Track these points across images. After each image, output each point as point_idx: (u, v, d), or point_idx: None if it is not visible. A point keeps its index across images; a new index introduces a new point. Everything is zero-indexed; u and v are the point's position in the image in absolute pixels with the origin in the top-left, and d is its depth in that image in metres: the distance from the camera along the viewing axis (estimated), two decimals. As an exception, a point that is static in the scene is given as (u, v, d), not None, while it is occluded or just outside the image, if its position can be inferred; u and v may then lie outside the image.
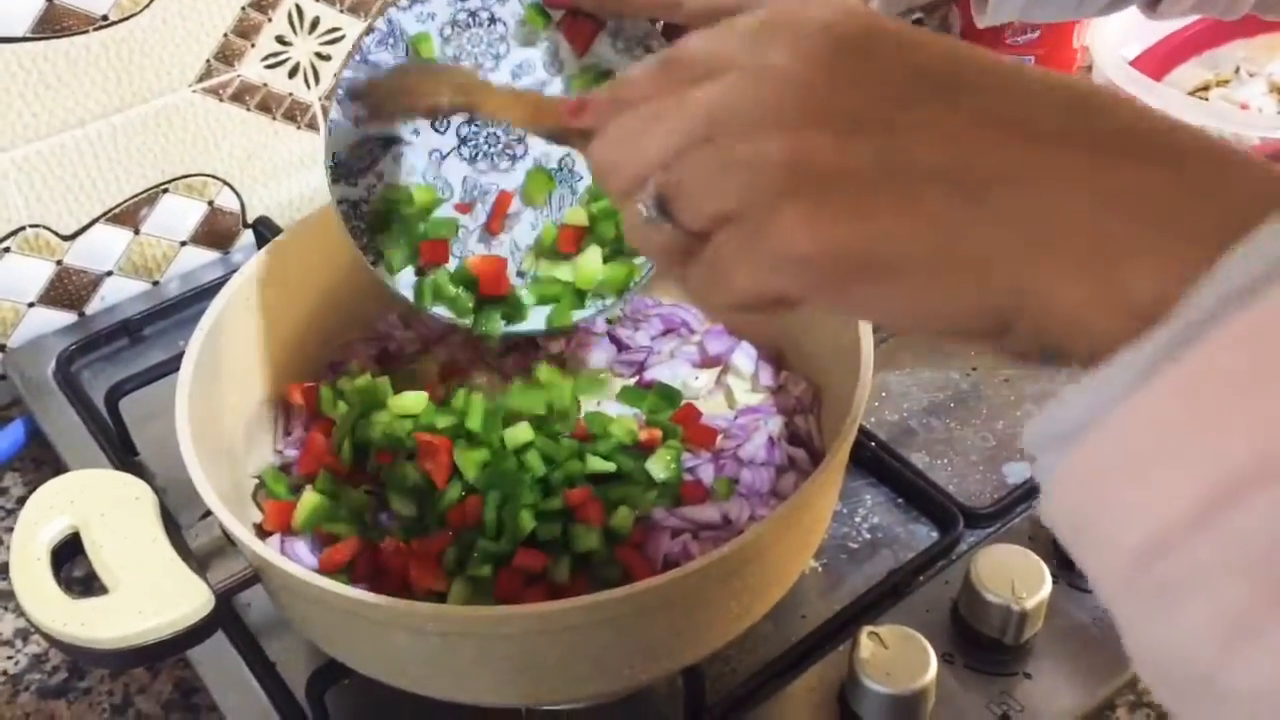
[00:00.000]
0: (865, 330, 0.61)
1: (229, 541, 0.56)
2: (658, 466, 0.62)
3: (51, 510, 0.56)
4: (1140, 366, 0.29)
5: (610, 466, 0.61)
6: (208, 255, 0.92)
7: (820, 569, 0.70)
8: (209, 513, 0.56)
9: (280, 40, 0.86)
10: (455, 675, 0.54)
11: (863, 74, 0.35)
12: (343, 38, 0.89)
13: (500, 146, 0.64)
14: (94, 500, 0.56)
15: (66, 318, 0.87)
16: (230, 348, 0.65)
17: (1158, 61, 1.02)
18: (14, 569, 0.54)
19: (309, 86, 0.89)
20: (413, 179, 0.64)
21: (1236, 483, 0.27)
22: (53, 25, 0.77)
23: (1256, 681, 0.28)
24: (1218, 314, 0.28)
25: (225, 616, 0.56)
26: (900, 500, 0.73)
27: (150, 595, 0.53)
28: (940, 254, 0.34)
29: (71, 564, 0.57)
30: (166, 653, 0.53)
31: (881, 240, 0.34)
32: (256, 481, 0.67)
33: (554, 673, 0.54)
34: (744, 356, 0.70)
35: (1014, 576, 0.63)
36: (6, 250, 0.82)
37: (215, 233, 0.91)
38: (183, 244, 0.90)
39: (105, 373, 0.82)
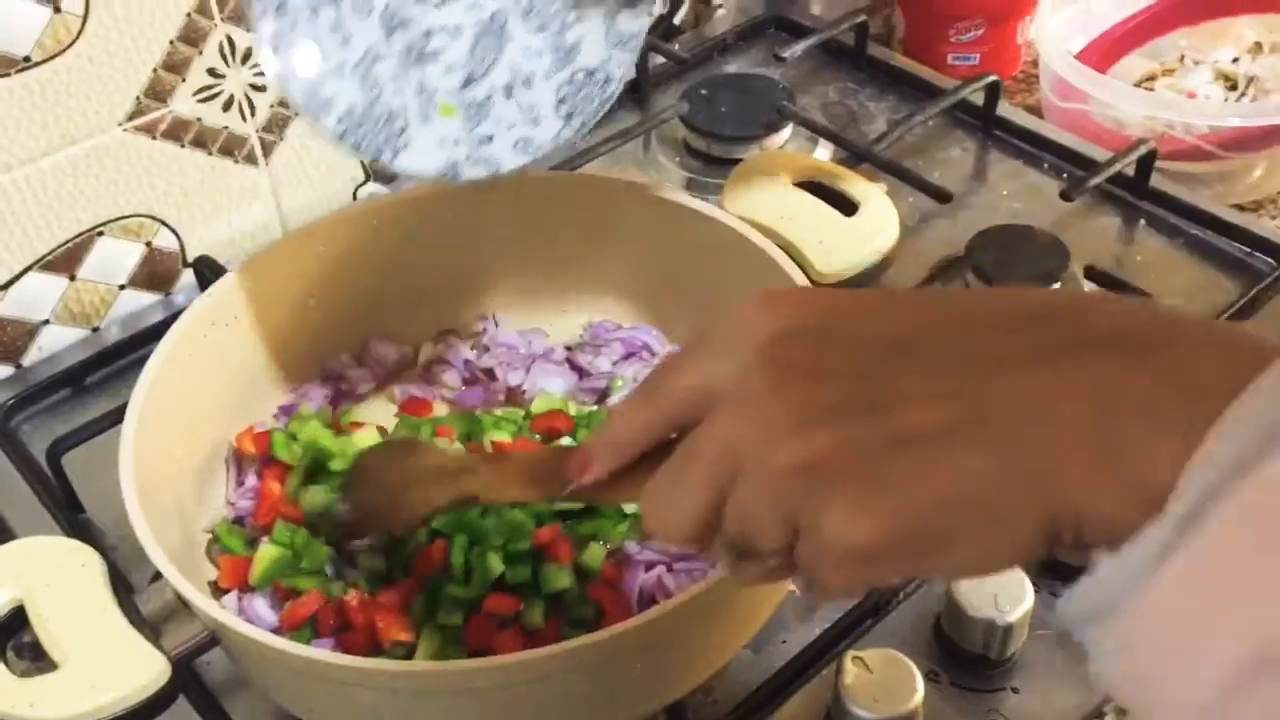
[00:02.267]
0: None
1: (183, 604, 0.54)
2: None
3: (-7, 583, 0.53)
4: (1158, 544, 0.31)
5: (577, 504, 0.59)
6: (148, 298, 0.88)
7: (798, 593, 0.68)
8: (160, 574, 0.53)
9: (212, 73, 0.84)
10: (429, 731, 0.52)
11: (829, 359, 0.37)
12: (277, 67, 0.86)
13: None
14: (38, 570, 0.53)
15: (3, 370, 0.84)
16: (176, 396, 0.63)
17: (1102, 54, 1.02)
18: (-45, 649, 0.51)
19: (244, 119, 0.87)
20: None
21: (1244, 671, 0.30)
22: (-28, 69, 0.74)
23: None
24: (1216, 491, 0.30)
25: (184, 682, 0.53)
26: (874, 515, 0.71)
27: (102, 668, 0.50)
28: (981, 505, 0.35)
29: (18, 636, 0.54)
30: (123, 728, 0.50)
31: (925, 512, 0.35)
32: (210, 536, 0.64)
33: (533, 722, 0.52)
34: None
35: (995, 590, 0.62)
36: (-64, 304, 0.79)
37: (155, 274, 0.88)
38: (121, 287, 0.87)
39: (47, 426, 0.79)
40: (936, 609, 0.65)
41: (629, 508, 0.60)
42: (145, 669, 0.51)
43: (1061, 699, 0.62)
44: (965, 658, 0.63)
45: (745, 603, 0.55)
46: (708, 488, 0.39)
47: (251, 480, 0.65)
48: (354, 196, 0.95)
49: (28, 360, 0.85)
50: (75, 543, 0.55)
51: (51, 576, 0.53)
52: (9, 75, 0.75)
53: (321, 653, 0.49)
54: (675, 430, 0.41)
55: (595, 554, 0.58)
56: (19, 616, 0.53)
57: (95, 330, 0.87)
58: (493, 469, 0.48)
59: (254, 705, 0.63)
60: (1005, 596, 0.61)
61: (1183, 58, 1.01)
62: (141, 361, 0.62)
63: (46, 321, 0.84)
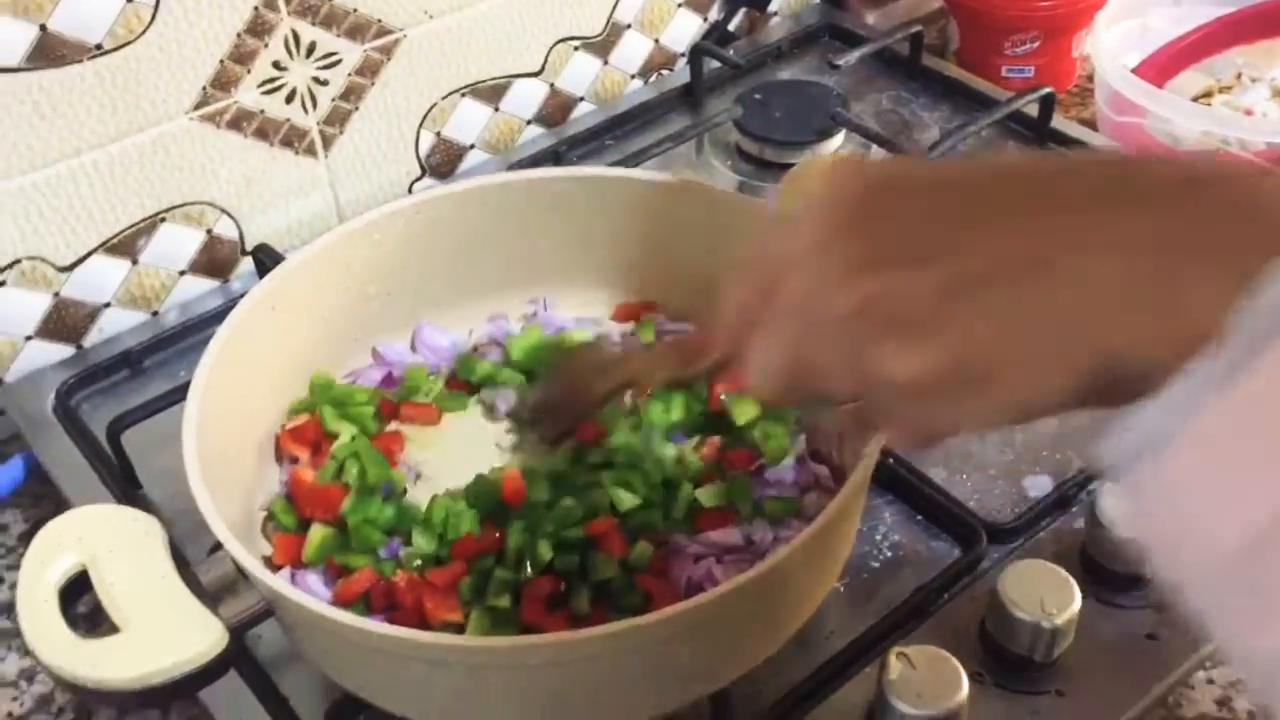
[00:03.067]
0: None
1: (241, 575, 0.55)
2: (709, 495, 0.61)
3: (59, 548, 0.54)
4: (1216, 375, 0.31)
5: (636, 501, 0.60)
6: (207, 284, 0.90)
7: (842, 589, 0.68)
8: (218, 546, 0.54)
9: (276, 65, 0.85)
10: (478, 709, 0.53)
11: (886, 213, 0.39)
12: (339, 62, 0.88)
13: None
14: (102, 536, 0.55)
15: (64, 351, 0.86)
16: (235, 376, 0.64)
17: (1158, 69, 1.02)
18: (21, 609, 0.52)
19: (306, 111, 0.88)
20: None
21: None
22: (47, 55, 0.76)
23: None
24: (1269, 333, 0.30)
25: (238, 652, 0.54)
26: (920, 517, 0.72)
27: (162, 633, 0.51)
28: (1027, 344, 0.36)
29: (81, 600, 0.55)
30: (180, 692, 0.51)
31: (975, 350, 0.37)
32: (264, 514, 0.65)
33: (579, 704, 0.52)
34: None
35: (1043, 593, 0.62)
36: (2, 284, 0.81)
37: (214, 261, 0.90)
38: (181, 273, 0.89)
39: (105, 405, 0.81)
40: (981, 612, 0.65)
41: (708, 503, 0.62)
42: (204, 635, 0.52)
43: (1106, 704, 0.62)
44: (1010, 659, 0.63)
45: (793, 592, 0.56)
46: (783, 345, 0.42)
47: (306, 458, 0.66)
48: (409, 190, 0.97)
49: (88, 341, 0.87)
50: (138, 511, 0.57)
51: (115, 543, 0.54)
52: (81, 61, 0.77)
53: (377, 624, 0.50)
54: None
55: (643, 552, 0.59)
56: (82, 580, 0.54)
57: (154, 314, 0.89)
58: (642, 358, 0.57)
59: (302, 681, 0.64)
60: (1052, 600, 0.61)
61: (1240, 75, 1.01)
62: (199, 346, 0.63)
63: (108, 304, 0.86)
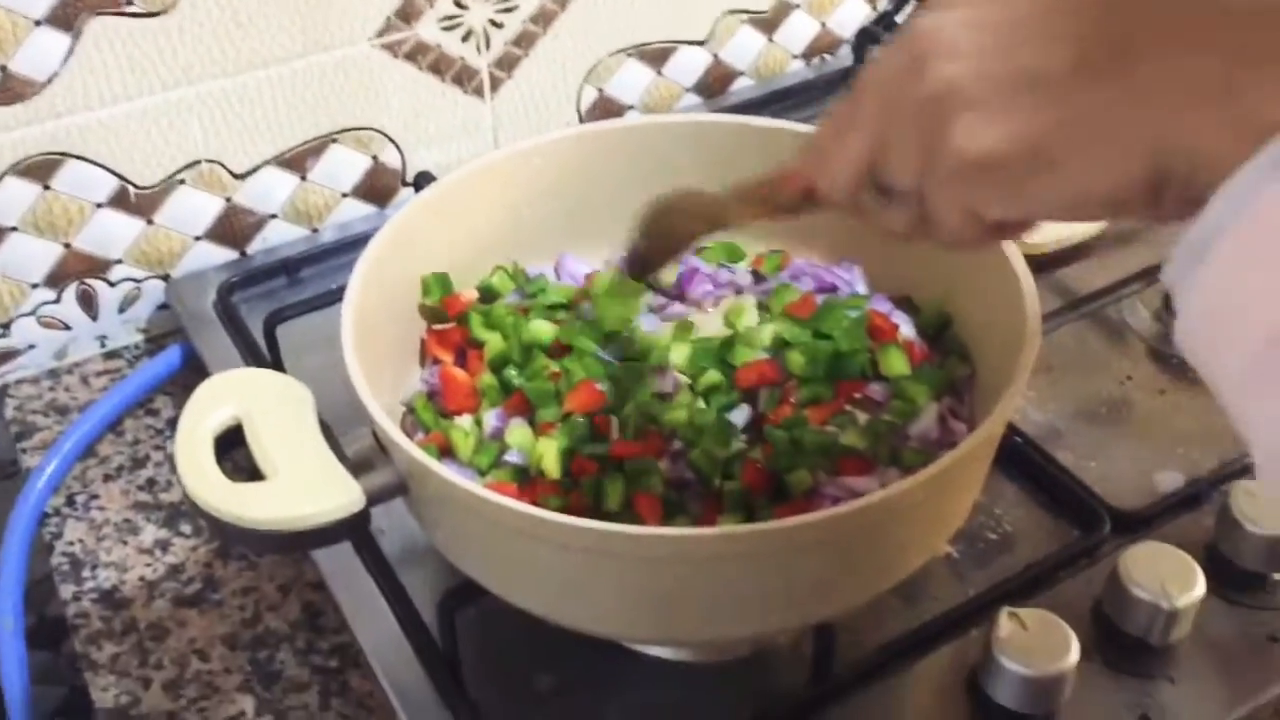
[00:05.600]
0: (1031, 301, 0.59)
1: (381, 452, 0.57)
2: (854, 436, 0.62)
3: (218, 400, 0.57)
4: (1263, 169, 0.32)
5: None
6: (365, 209, 0.94)
7: (956, 555, 0.68)
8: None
9: (458, 3, 0.89)
10: (591, 601, 0.54)
11: (966, 22, 0.41)
12: (516, 8, 0.91)
13: None
14: (258, 396, 0.58)
15: (229, 255, 0.90)
16: (393, 275, 0.67)
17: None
18: (178, 450, 0.55)
19: (479, 52, 0.92)
20: None
21: None
22: (250, -32, 0.80)
23: None
24: None
25: (368, 524, 0.56)
26: (1043, 498, 0.71)
27: (305, 486, 0.54)
28: (1093, 132, 0.38)
29: (236, 450, 0.58)
30: (315, 542, 0.54)
31: (1039, 132, 0.39)
32: (404, 410, 0.68)
33: (690, 608, 0.53)
34: (906, 326, 0.69)
35: (1164, 575, 0.61)
36: (181, 182, 0.85)
37: (375, 187, 0.93)
38: (344, 195, 0.93)
39: (261, 307, 0.84)
40: (1097, 595, 0.64)
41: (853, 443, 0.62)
42: (343, 493, 0.54)
43: (1219, 698, 0.61)
44: (1124, 641, 0.62)
45: (909, 531, 0.56)
46: (863, 134, 0.45)
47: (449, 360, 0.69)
48: (567, 142, 0.99)
49: (251, 249, 0.91)
50: (292, 379, 0.60)
51: (269, 403, 0.57)
52: (278, -22, 0.82)
53: (510, 501, 0.51)
54: None
55: (800, 480, 0.59)
56: (238, 434, 0.57)
57: (314, 231, 0.93)
58: (731, 196, 0.58)
59: (419, 576, 0.67)
60: (1175, 581, 0.61)
61: None
62: (353, 261, 0.65)
63: (274, 215, 0.91)
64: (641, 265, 0.63)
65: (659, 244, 0.61)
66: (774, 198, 0.55)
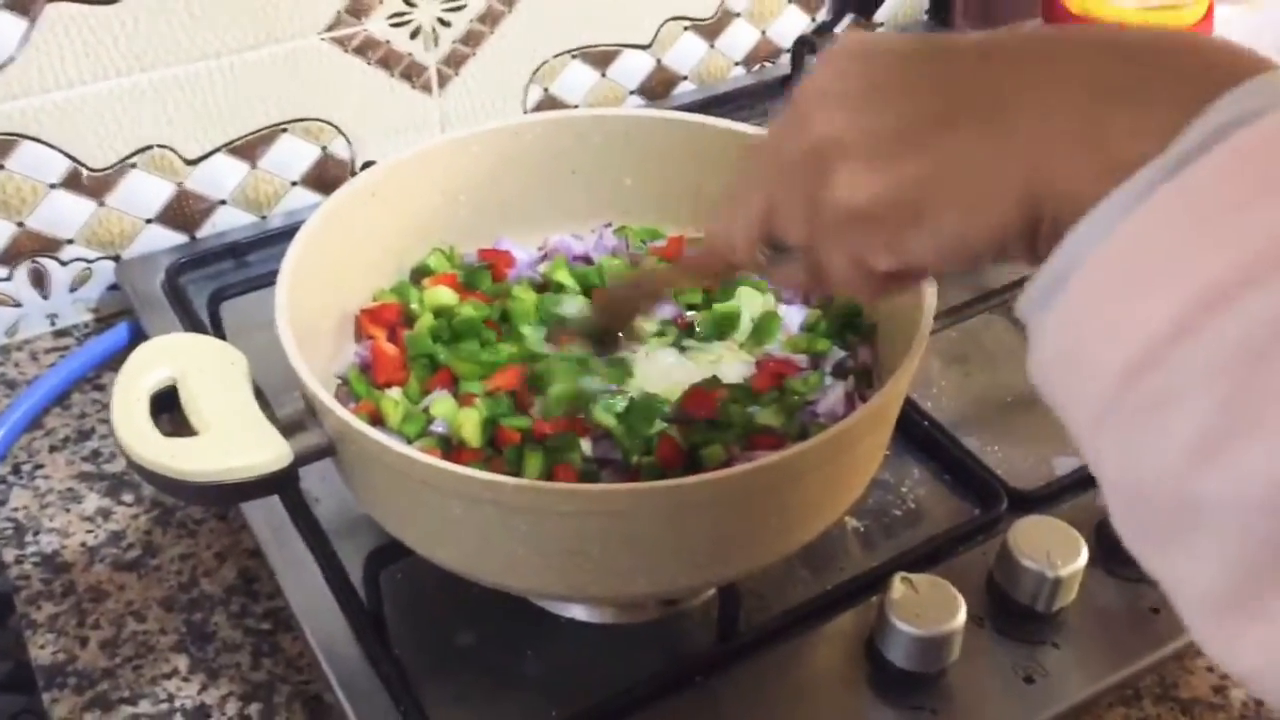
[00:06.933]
0: (929, 293, 0.63)
1: (311, 414, 0.60)
2: (769, 414, 0.65)
3: (154, 362, 0.60)
4: (1120, 205, 0.33)
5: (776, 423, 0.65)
6: (314, 197, 0.97)
7: (861, 529, 0.72)
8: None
9: (407, 1, 0.92)
10: (505, 556, 0.57)
11: (855, 71, 0.43)
12: (464, 7, 0.95)
13: None
14: (193, 358, 0.60)
15: (178, 238, 0.93)
16: (330, 252, 0.69)
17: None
18: (115, 408, 0.58)
19: (428, 49, 0.95)
20: None
21: (1220, 289, 0.30)
22: (205, -39, 0.83)
23: (1225, 488, 0.30)
24: (1204, 145, 0.32)
25: (297, 481, 0.59)
26: (948, 479, 0.75)
27: (235, 442, 0.57)
28: (964, 179, 0.39)
29: (169, 410, 0.61)
30: (244, 495, 0.57)
31: (914, 183, 0.40)
32: (338, 382, 0.71)
33: (600, 563, 0.56)
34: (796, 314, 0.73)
35: (1050, 546, 0.65)
36: (133, 166, 0.88)
37: (324, 177, 0.97)
38: (293, 184, 0.96)
39: (208, 288, 0.87)
40: (991, 566, 0.68)
41: (768, 422, 0.66)
42: (271, 449, 0.57)
43: (1099, 663, 0.64)
44: (1014, 608, 0.66)
45: (813, 491, 0.59)
46: (756, 196, 0.47)
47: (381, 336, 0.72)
48: (512, 139, 1.03)
49: (201, 233, 0.94)
50: (228, 345, 0.63)
51: (204, 365, 0.60)
52: (234, -29, 0.85)
53: (426, 457, 0.55)
54: None
55: (713, 454, 0.62)
56: (172, 394, 0.60)
57: (263, 218, 0.96)
58: (665, 273, 0.67)
59: (351, 544, 0.69)
60: (1059, 552, 0.64)
61: None
62: None
63: (223, 201, 0.93)
64: (600, 340, 0.68)
65: (611, 320, 0.67)
66: (701, 269, 0.60)
